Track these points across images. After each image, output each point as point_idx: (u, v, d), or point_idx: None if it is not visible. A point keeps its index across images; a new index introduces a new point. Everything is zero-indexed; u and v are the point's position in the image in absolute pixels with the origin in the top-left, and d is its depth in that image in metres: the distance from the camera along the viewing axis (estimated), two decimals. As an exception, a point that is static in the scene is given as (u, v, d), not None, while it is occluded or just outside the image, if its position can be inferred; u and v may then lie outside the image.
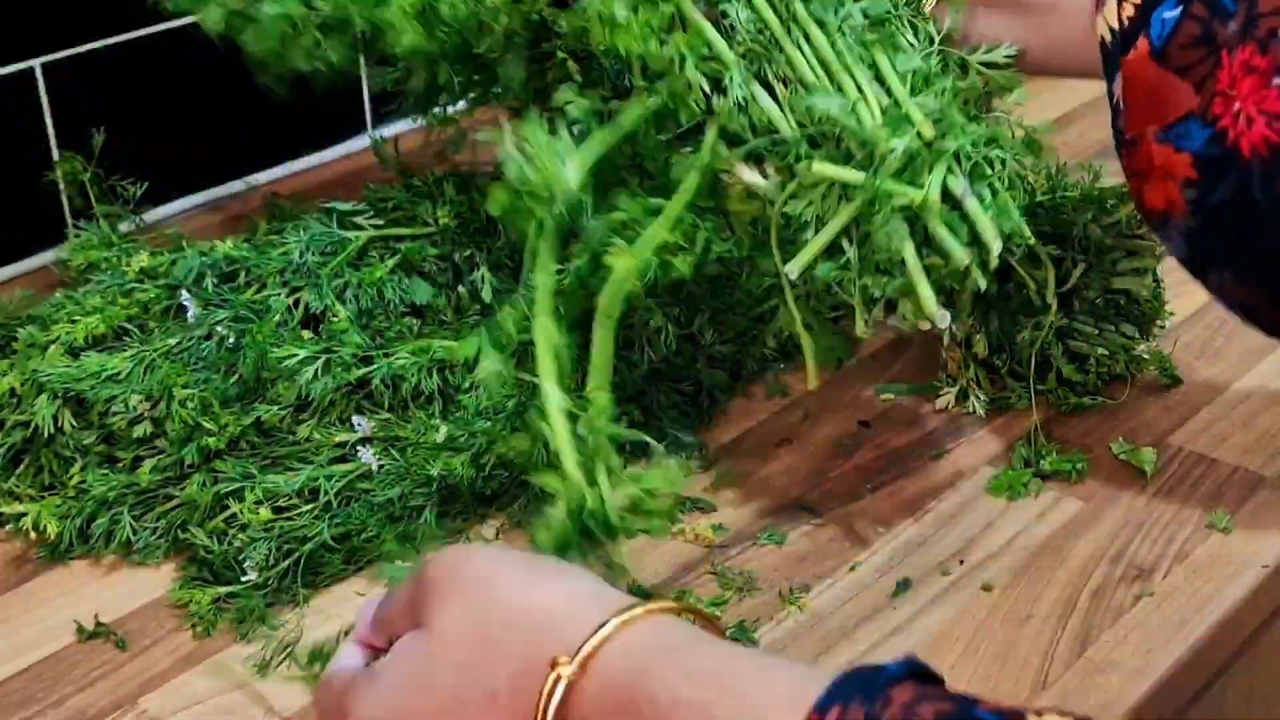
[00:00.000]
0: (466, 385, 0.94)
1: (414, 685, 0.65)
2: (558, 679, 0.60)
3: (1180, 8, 0.74)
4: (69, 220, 1.21)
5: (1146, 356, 1.03)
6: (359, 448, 0.90)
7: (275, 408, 0.91)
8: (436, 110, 1.15)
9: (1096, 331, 0.99)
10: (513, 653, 0.62)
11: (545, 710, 0.60)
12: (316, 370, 0.92)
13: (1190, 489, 0.94)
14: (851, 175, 0.80)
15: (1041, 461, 0.95)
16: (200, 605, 0.86)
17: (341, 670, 0.70)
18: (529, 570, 0.66)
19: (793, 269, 0.81)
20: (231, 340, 0.93)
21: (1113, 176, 1.30)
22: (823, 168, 0.80)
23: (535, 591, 0.64)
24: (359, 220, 1.05)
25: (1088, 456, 0.96)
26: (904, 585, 0.87)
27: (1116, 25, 0.77)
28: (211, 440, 0.88)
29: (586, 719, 0.60)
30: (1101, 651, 0.82)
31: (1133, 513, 0.92)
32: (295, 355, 0.92)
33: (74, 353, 0.95)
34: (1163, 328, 1.03)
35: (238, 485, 0.89)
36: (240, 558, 0.87)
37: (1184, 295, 1.11)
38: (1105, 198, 1.00)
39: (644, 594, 0.83)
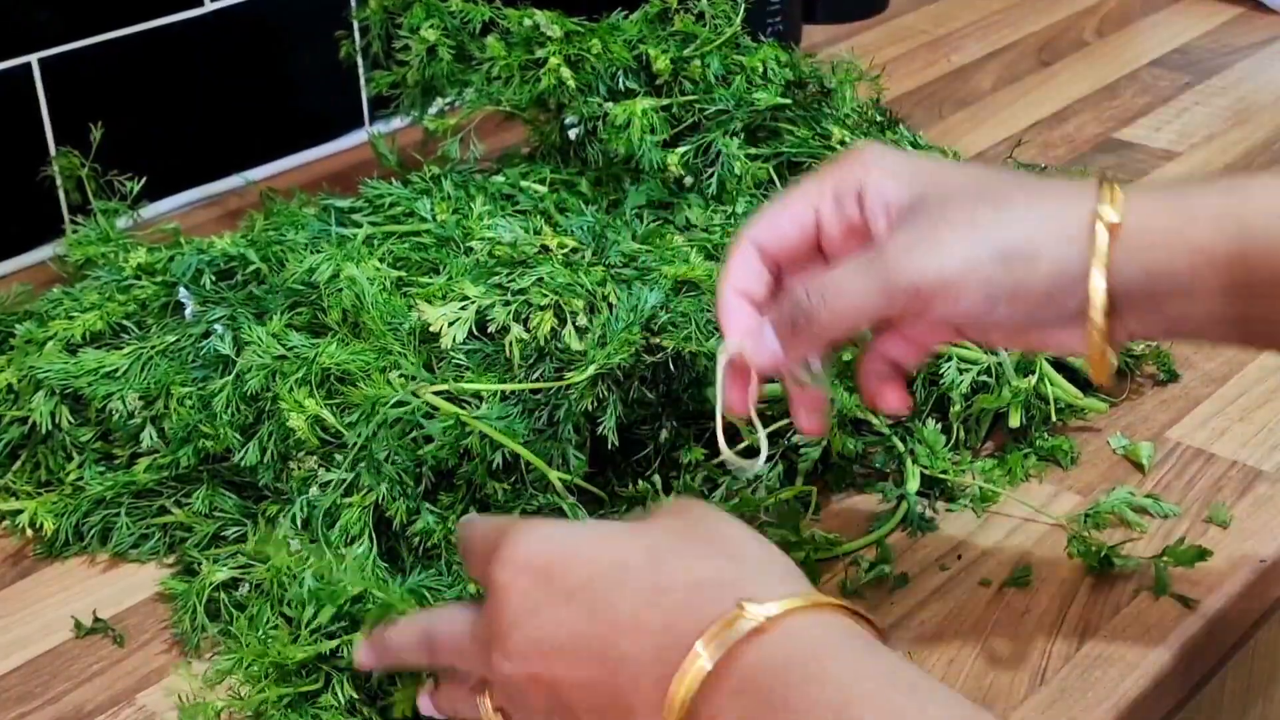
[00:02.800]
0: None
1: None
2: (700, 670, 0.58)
3: None
4: (66, 216, 1.21)
5: (1145, 352, 1.03)
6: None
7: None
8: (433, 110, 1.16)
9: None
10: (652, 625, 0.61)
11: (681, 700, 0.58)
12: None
13: (1188, 483, 0.94)
14: None
15: (1036, 443, 0.95)
16: (189, 601, 0.85)
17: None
18: (640, 588, 0.62)
19: None
20: (229, 339, 0.93)
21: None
22: None
23: (649, 621, 0.61)
24: (357, 217, 1.05)
25: (1082, 447, 0.96)
26: (901, 580, 0.87)
27: None
28: (209, 444, 0.88)
29: (718, 713, 0.58)
30: (1100, 646, 0.82)
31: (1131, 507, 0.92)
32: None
33: (71, 349, 0.95)
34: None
35: (236, 523, 0.89)
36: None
37: (1182, 289, 1.11)
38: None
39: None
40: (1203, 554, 0.85)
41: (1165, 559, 0.86)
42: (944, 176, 0.71)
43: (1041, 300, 0.68)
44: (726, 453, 0.76)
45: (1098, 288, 0.67)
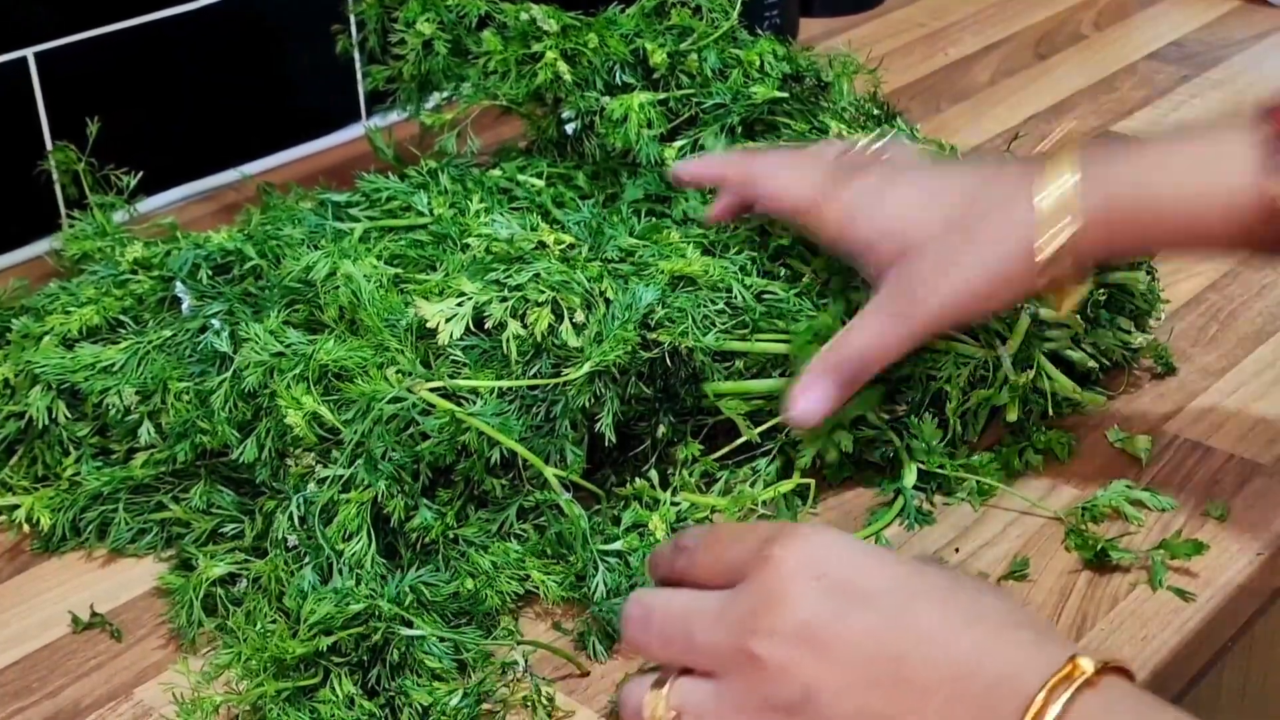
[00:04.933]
0: None
1: None
2: None
3: None
4: (63, 210, 1.21)
5: (1142, 345, 1.03)
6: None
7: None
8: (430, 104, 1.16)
9: (1089, 354, 0.99)
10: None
11: None
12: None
13: (1186, 477, 0.94)
14: None
15: (1033, 436, 0.95)
16: (186, 596, 0.85)
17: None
18: (947, 606, 0.59)
19: None
20: (227, 334, 0.93)
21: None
22: None
23: (956, 642, 0.58)
24: (354, 211, 1.05)
25: (1079, 440, 0.96)
26: (899, 574, 0.87)
27: None
28: (206, 439, 0.88)
29: None
30: (1097, 639, 0.82)
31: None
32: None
33: (68, 344, 0.95)
34: (1159, 319, 1.03)
35: (233, 519, 0.89)
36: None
37: (1179, 283, 1.12)
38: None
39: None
40: (1198, 547, 0.85)
41: (1161, 552, 0.86)
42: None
43: None
44: None
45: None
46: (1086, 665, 0.57)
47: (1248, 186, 0.77)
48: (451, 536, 0.85)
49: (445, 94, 1.15)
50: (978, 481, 0.92)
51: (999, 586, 0.82)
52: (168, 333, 0.94)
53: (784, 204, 0.90)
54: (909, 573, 0.61)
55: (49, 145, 1.20)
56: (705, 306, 0.89)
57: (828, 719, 0.58)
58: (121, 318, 0.97)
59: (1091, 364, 0.99)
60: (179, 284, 0.97)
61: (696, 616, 0.62)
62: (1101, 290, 0.98)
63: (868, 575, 0.60)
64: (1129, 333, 1.01)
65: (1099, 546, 0.86)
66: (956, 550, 0.89)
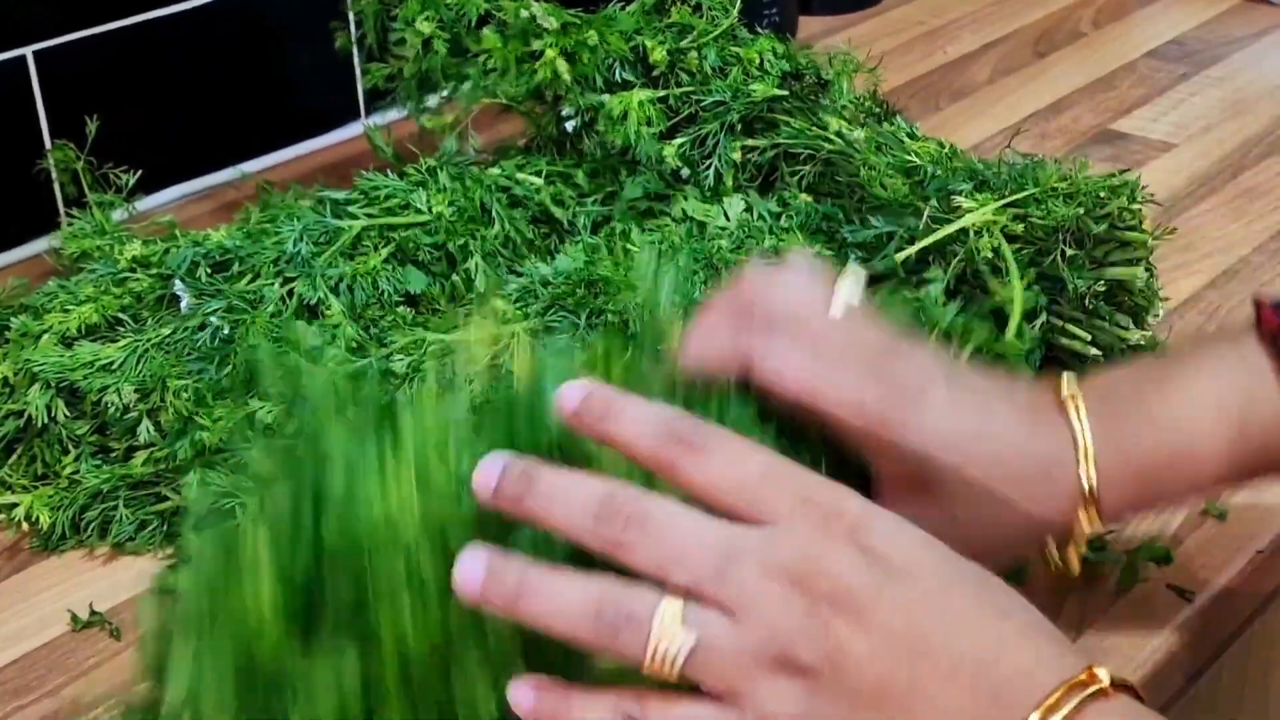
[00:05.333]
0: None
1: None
2: None
3: None
4: (61, 209, 1.21)
5: (1141, 343, 1.03)
6: None
7: (269, 404, 0.90)
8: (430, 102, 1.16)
9: (1088, 336, 0.98)
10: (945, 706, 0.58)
11: None
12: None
13: (1185, 475, 0.94)
14: None
15: None
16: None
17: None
18: (980, 597, 0.61)
19: None
20: (226, 331, 0.93)
21: (1104, 165, 1.31)
22: None
23: (983, 632, 0.59)
24: (352, 209, 1.05)
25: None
26: (899, 572, 0.87)
27: None
28: (205, 435, 0.88)
29: None
30: (1096, 637, 0.82)
31: (1127, 499, 0.92)
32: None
33: (67, 342, 0.95)
34: (1157, 316, 1.03)
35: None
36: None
37: (1178, 281, 1.11)
38: (1097, 190, 1.00)
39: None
40: (1168, 556, 0.86)
41: (1132, 553, 0.86)
42: None
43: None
44: None
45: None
46: (1103, 675, 0.58)
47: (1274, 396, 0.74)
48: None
49: (445, 93, 1.15)
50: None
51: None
52: (166, 330, 0.94)
53: (784, 386, 0.69)
54: (946, 557, 0.61)
55: (48, 144, 1.20)
56: None
57: (847, 686, 0.58)
58: (120, 316, 0.97)
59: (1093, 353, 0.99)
60: (178, 282, 0.97)
61: (728, 544, 0.58)
62: (1102, 284, 0.98)
63: (909, 552, 0.60)
64: (1127, 329, 1.01)
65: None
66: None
